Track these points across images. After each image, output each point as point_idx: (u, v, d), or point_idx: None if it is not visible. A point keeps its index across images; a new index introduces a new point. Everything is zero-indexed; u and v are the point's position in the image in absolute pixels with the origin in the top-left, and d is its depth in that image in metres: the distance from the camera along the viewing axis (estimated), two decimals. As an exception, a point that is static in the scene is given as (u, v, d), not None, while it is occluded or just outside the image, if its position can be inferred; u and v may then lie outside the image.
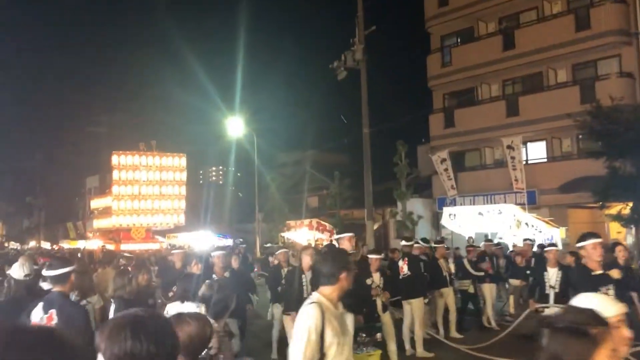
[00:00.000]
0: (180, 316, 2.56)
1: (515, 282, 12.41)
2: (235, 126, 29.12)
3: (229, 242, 32.65)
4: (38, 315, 3.84)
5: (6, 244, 59.93)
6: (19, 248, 47.32)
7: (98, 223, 26.07)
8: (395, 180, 26.20)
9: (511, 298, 13.06)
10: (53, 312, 3.81)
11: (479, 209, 19.09)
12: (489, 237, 15.79)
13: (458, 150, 24.38)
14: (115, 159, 23.91)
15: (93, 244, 27.15)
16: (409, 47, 68.68)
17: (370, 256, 8.54)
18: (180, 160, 25.41)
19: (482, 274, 11.36)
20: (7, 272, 5.44)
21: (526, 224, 17.02)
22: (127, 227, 24.22)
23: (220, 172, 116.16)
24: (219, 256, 7.21)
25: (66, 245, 40.64)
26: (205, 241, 31.31)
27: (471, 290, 11.27)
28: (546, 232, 16.06)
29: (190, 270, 6.27)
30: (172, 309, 5.26)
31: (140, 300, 5.41)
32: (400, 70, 68.31)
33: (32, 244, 55.93)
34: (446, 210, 19.84)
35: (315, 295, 3.16)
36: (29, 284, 4.87)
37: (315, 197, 34.60)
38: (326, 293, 3.13)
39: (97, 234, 27.56)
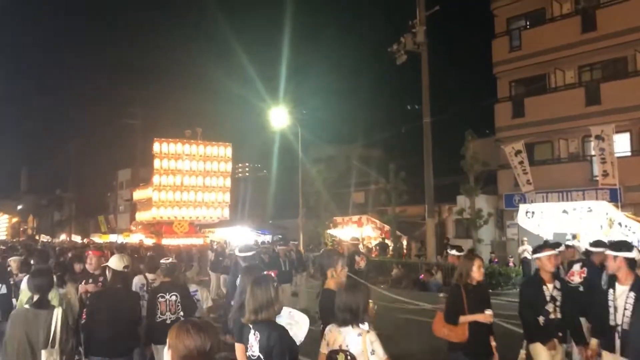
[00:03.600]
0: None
1: None
2: (278, 117, 27.33)
3: (268, 238, 31.12)
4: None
5: (37, 237, 59.54)
6: (49, 241, 46.56)
7: (140, 216, 24.60)
8: (451, 175, 24.26)
9: None
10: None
11: (564, 206, 17.02)
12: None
13: (526, 143, 22.30)
14: (156, 147, 22.41)
15: (135, 238, 25.68)
16: (471, 29, 64.45)
17: None
18: (226, 150, 23.78)
19: None
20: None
21: (619, 223, 15.17)
22: (169, 220, 22.68)
23: (247, 168, 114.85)
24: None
25: (97, 239, 39.48)
26: (243, 237, 29.79)
27: None
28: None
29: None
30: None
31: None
32: (459, 55, 63.70)
33: (63, 237, 55.26)
34: (523, 208, 17.82)
35: None
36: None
37: (360, 193, 32.72)
38: None
39: (139, 228, 26.09)
